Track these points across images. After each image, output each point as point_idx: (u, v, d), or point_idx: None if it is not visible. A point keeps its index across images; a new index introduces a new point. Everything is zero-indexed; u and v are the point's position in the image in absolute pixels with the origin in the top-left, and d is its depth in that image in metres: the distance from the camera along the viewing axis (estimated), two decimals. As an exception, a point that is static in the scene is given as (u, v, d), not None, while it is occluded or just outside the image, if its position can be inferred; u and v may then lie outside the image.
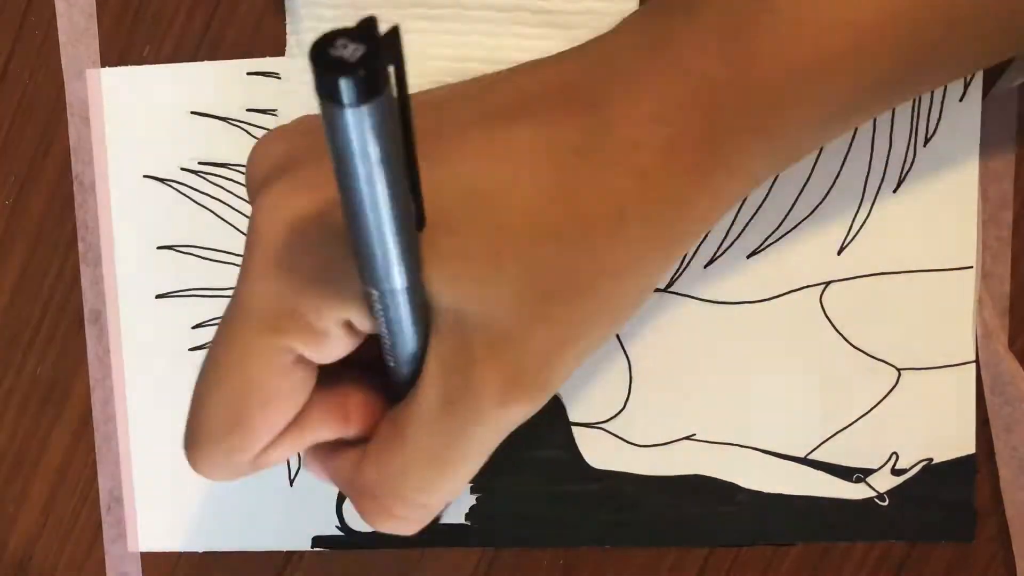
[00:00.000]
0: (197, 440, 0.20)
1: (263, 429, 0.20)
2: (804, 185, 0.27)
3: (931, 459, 0.27)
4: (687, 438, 0.27)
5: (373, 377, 0.22)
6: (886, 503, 0.27)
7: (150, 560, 0.30)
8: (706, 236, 0.27)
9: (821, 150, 0.26)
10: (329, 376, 0.21)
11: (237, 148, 0.28)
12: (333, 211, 0.18)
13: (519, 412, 0.20)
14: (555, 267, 0.19)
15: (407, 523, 0.22)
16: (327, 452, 0.23)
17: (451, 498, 0.22)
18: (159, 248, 0.29)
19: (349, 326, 0.19)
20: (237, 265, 0.27)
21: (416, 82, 0.28)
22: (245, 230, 0.27)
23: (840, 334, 0.27)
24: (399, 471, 0.21)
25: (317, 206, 0.19)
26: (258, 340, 0.19)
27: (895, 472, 0.27)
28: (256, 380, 0.20)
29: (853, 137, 0.26)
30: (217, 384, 0.20)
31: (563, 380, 0.21)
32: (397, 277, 0.17)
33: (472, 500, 0.28)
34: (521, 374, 0.20)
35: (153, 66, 0.28)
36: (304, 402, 0.21)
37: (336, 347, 0.20)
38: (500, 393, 0.20)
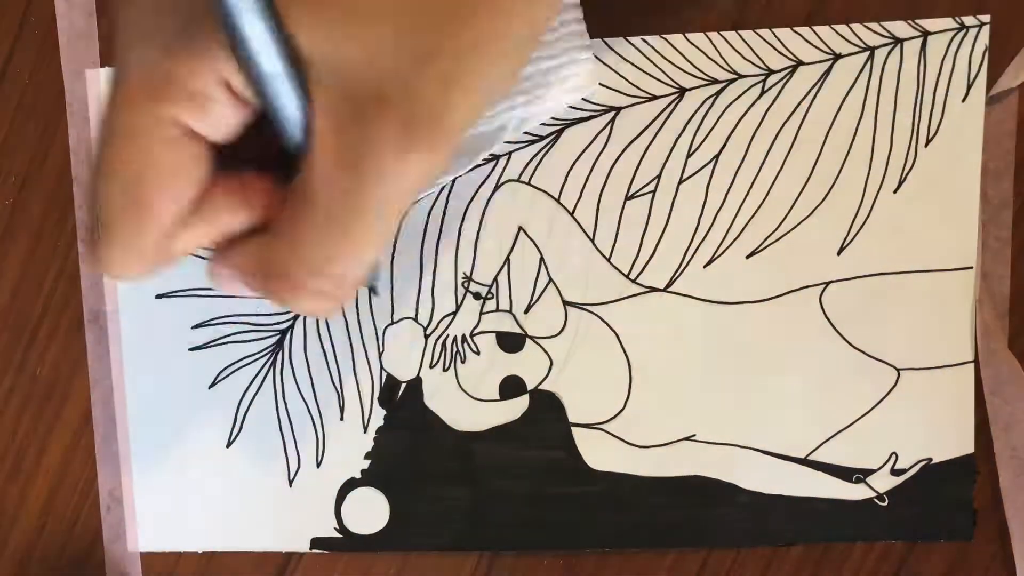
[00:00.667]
0: (100, 233, 0.20)
1: (161, 207, 0.20)
2: (804, 185, 0.27)
3: (930, 459, 0.27)
4: (687, 439, 0.27)
5: (274, 171, 0.21)
6: (886, 503, 0.27)
7: (150, 560, 0.30)
8: (706, 236, 0.27)
9: (821, 150, 0.26)
10: (228, 167, 0.21)
11: (237, 148, 0.28)
12: None
13: (420, 164, 0.19)
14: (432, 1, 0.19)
15: (324, 298, 0.21)
16: (233, 247, 0.22)
17: (363, 267, 0.21)
18: (159, 248, 0.29)
19: (229, 88, 0.19)
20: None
21: None
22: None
23: (840, 334, 0.27)
24: (306, 241, 0.20)
25: None
26: (140, 112, 0.19)
27: (895, 472, 0.27)
28: (146, 155, 0.19)
29: (853, 137, 0.26)
30: (111, 170, 0.19)
31: (462, 128, 0.20)
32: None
33: (470, 504, 0.28)
34: (415, 117, 0.19)
35: (153, 66, 0.28)
36: (201, 181, 0.20)
37: (222, 114, 0.19)
38: (397, 142, 0.19)
